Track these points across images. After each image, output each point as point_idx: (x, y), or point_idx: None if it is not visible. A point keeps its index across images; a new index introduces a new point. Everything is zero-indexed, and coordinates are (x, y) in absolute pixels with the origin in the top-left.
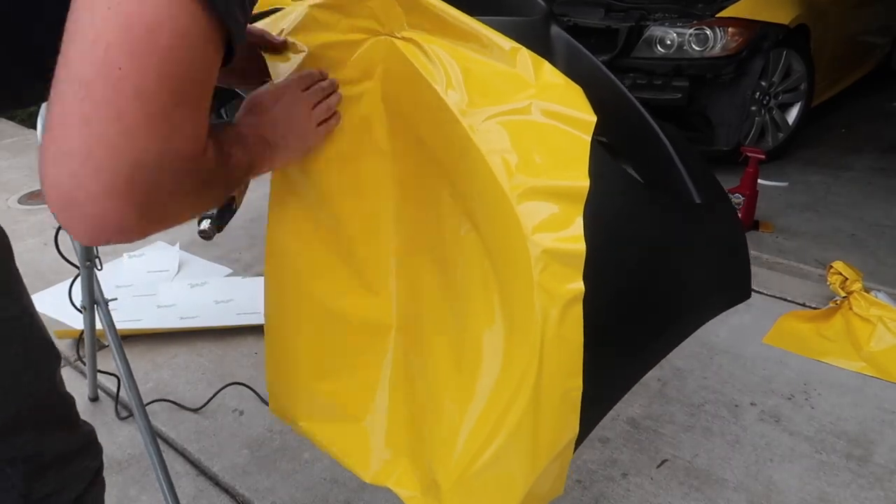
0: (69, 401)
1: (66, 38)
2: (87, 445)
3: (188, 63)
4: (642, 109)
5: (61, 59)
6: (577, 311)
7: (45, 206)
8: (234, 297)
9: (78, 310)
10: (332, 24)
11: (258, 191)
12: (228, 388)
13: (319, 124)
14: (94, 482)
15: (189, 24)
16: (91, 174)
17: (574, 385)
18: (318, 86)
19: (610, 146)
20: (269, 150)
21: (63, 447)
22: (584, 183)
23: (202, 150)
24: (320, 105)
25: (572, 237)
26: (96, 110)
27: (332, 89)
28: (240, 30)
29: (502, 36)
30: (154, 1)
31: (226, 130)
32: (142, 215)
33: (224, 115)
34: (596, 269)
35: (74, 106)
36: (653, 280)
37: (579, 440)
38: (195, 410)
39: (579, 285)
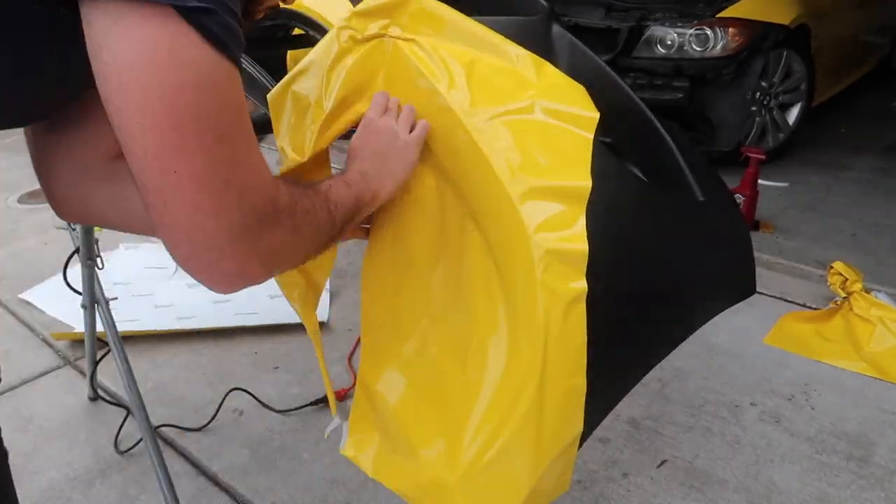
0: None
1: (119, 140)
2: None
3: (222, 130)
4: (645, 108)
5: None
6: (581, 310)
7: (45, 204)
8: (232, 298)
9: (75, 291)
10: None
11: None
12: (228, 390)
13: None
14: None
15: (219, 74)
16: (208, 258)
17: (577, 383)
18: (391, 105)
19: (613, 146)
20: (373, 181)
21: None
22: (587, 183)
23: (274, 198)
24: (402, 118)
25: (575, 237)
26: (175, 207)
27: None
28: (238, 41)
29: (505, 39)
30: (179, 89)
31: (313, 182)
32: (263, 266)
33: None
34: (599, 267)
35: (161, 215)
36: (656, 278)
37: (583, 437)
38: (199, 429)
39: (582, 284)
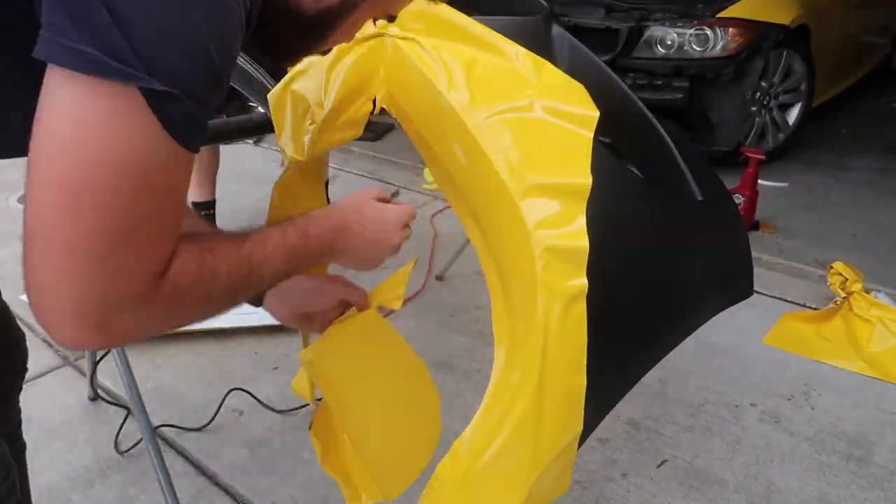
0: None
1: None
2: None
3: (124, 216)
4: (644, 108)
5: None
6: (581, 308)
7: None
8: None
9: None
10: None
11: (259, 191)
12: (228, 390)
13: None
14: None
15: (151, 151)
16: (51, 318)
17: (577, 381)
18: (409, 231)
19: (612, 146)
20: (329, 256)
21: None
22: (587, 180)
23: (151, 285)
24: (400, 247)
25: (575, 234)
26: (38, 259)
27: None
28: (198, 130)
29: (504, 38)
30: (112, 136)
31: (258, 237)
32: (106, 338)
33: (226, 117)
34: (599, 265)
35: (27, 258)
36: (655, 277)
37: (583, 437)
38: (199, 429)
39: (582, 282)
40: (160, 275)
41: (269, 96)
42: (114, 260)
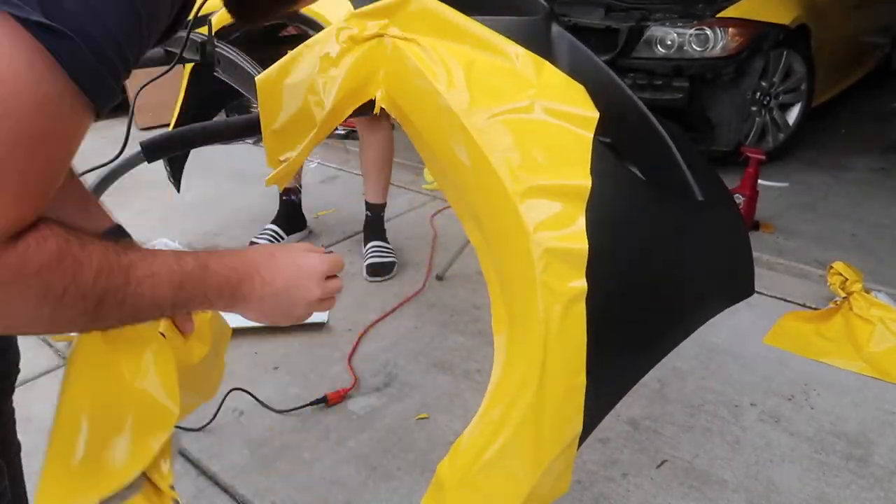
0: None
1: None
2: None
3: (8, 136)
4: (644, 108)
5: None
6: (580, 309)
7: None
8: None
9: None
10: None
11: (259, 191)
12: (228, 390)
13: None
14: None
15: (28, 91)
16: None
17: (577, 382)
18: (336, 283)
19: (612, 146)
20: (229, 300)
21: None
22: (587, 182)
23: (10, 248)
24: (324, 302)
25: (575, 236)
26: None
27: (338, 290)
28: (109, 91)
29: (504, 38)
30: None
31: (149, 258)
32: None
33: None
34: (598, 266)
35: None
36: (655, 277)
37: (583, 437)
38: (199, 429)
39: (582, 283)
40: (7, 240)
41: (258, 82)
42: None
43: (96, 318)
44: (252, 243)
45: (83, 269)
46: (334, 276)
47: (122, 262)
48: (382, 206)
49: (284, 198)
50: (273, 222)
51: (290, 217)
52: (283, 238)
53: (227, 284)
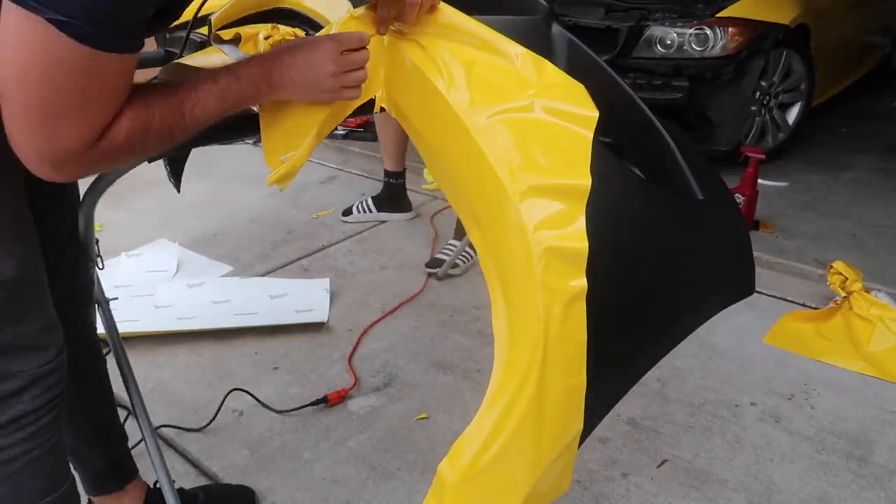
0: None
1: None
2: (36, 350)
3: (58, 92)
4: (644, 107)
5: None
6: (581, 308)
7: None
8: (232, 298)
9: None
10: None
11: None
12: (229, 390)
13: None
14: (35, 383)
15: (66, 60)
16: (17, 145)
17: (577, 381)
18: (354, 56)
19: (612, 145)
20: (267, 91)
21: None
22: (587, 181)
23: (87, 146)
24: (348, 75)
25: (575, 235)
26: (6, 112)
27: (364, 63)
28: (128, 42)
29: (505, 38)
30: (31, 47)
31: (193, 84)
32: (63, 175)
33: None
34: (598, 266)
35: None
36: (656, 276)
37: (583, 436)
38: (199, 430)
39: (582, 282)
40: (97, 138)
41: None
42: (55, 126)
43: (174, 141)
44: (347, 212)
45: (152, 123)
46: (355, 51)
47: (174, 103)
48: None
49: (387, 180)
50: (373, 199)
51: (392, 198)
52: (371, 210)
53: (260, 78)
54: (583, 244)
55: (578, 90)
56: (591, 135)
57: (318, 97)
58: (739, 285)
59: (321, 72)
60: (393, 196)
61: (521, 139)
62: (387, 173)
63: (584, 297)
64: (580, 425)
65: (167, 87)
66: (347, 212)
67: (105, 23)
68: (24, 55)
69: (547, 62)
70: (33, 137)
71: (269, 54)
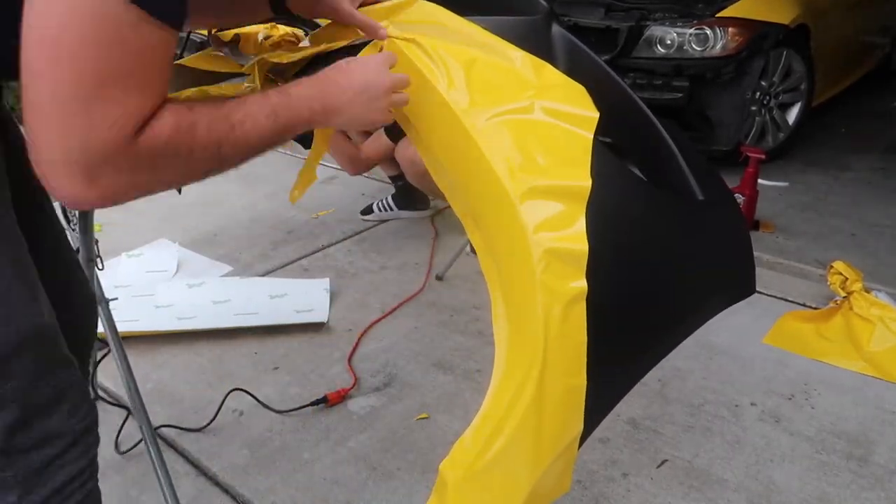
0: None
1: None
2: (75, 404)
3: (97, 65)
4: (644, 107)
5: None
6: (580, 310)
7: None
8: (232, 298)
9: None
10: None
11: (259, 191)
12: (229, 390)
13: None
14: (78, 442)
15: (111, 21)
16: (42, 155)
17: (577, 382)
18: (401, 75)
19: (613, 146)
20: (320, 114)
21: (46, 399)
22: (587, 182)
23: (130, 137)
24: (397, 95)
25: (575, 236)
26: (30, 110)
27: (407, 84)
28: (176, 10)
29: (504, 42)
30: (70, 5)
31: (244, 101)
32: (98, 191)
33: None
34: (599, 267)
35: (26, 110)
36: (656, 277)
37: (584, 437)
38: (199, 430)
39: (582, 284)
40: (140, 128)
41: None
42: (94, 107)
43: (222, 161)
44: (367, 210)
45: (197, 127)
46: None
47: (223, 112)
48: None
49: (395, 183)
50: (392, 197)
51: (409, 196)
52: (392, 209)
53: (315, 99)
54: (583, 246)
55: (578, 91)
56: (591, 136)
57: (370, 117)
58: (740, 285)
59: (379, 87)
60: (409, 194)
61: (521, 140)
62: (391, 178)
63: (584, 298)
64: (580, 426)
65: (210, 98)
66: (367, 210)
67: None
68: (60, 17)
69: (546, 64)
70: (65, 129)
71: (319, 76)
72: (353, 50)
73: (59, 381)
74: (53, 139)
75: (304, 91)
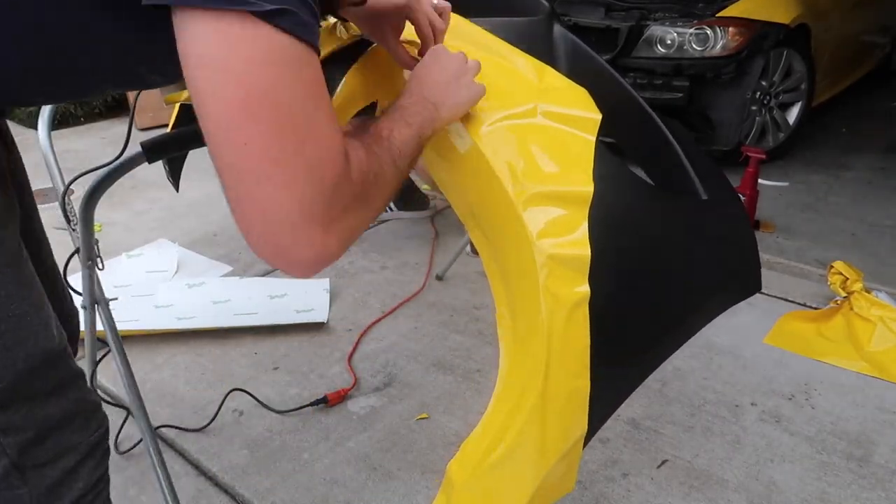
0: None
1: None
2: (87, 417)
3: (292, 105)
4: (646, 107)
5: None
6: (583, 314)
7: (45, 205)
8: (232, 298)
9: (74, 291)
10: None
11: None
12: (229, 390)
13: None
14: (91, 454)
15: (292, 62)
16: (277, 227)
17: (581, 385)
18: (471, 62)
19: (615, 146)
20: (434, 110)
21: (59, 416)
22: (589, 188)
23: (345, 166)
24: (473, 61)
25: (577, 242)
26: (245, 190)
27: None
28: (316, 33)
29: (507, 45)
30: (247, 54)
31: (375, 122)
32: (335, 237)
33: None
34: (602, 270)
35: (234, 192)
36: (660, 279)
37: (587, 438)
38: (199, 430)
39: (585, 289)
40: (346, 162)
41: None
42: (308, 151)
43: (400, 174)
44: None
45: (372, 148)
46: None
47: (370, 131)
48: None
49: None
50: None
51: (408, 197)
52: (391, 209)
53: (426, 99)
54: (585, 251)
55: (580, 94)
56: (593, 138)
57: (470, 95)
58: (746, 283)
59: (459, 67)
60: (408, 195)
61: (524, 145)
62: None
63: (587, 302)
64: (584, 426)
65: (364, 138)
66: None
67: (310, 5)
68: (238, 77)
69: (548, 68)
70: (289, 180)
71: (412, 85)
72: (363, 44)
73: (72, 396)
74: (282, 196)
75: (412, 99)
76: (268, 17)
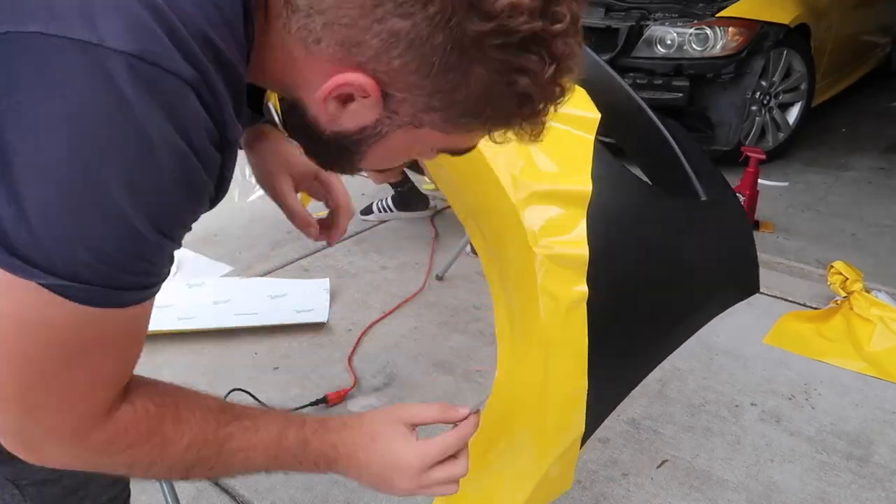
0: None
1: None
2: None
3: (33, 363)
4: (645, 107)
5: None
6: (581, 314)
7: None
8: (232, 298)
9: None
10: None
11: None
12: (229, 390)
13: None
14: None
15: (61, 328)
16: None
17: (579, 385)
18: (445, 472)
19: (614, 146)
20: (326, 470)
21: None
22: (588, 187)
23: (79, 429)
24: (430, 488)
25: (576, 241)
26: None
27: (459, 477)
28: (154, 284)
29: None
30: (17, 317)
31: (265, 421)
32: (37, 459)
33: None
34: (600, 270)
35: None
36: (658, 279)
37: (585, 437)
38: None
39: (583, 289)
40: (95, 419)
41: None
42: (32, 398)
43: (186, 477)
44: (367, 210)
45: (172, 445)
46: (447, 460)
47: (220, 436)
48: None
49: (398, 189)
50: (392, 198)
51: (407, 197)
52: (391, 210)
53: (324, 460)
54: (583, 251)
55: (579, 93)
56: (592, 138)
57: (390, 492)
58: (744, 284)
59: (396, 489)
60: (408, 195)
61: (523, 144)
62: (391, 184)
63: (585, 302)
64: (582, 426)
65: (213, 406)
66: (367, 210)
67: (123, 270)
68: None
69: None
70: (2, 410)
71: (347, 438)
72: None
73: None
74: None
75: (321, 446)
76: (53, 288)
